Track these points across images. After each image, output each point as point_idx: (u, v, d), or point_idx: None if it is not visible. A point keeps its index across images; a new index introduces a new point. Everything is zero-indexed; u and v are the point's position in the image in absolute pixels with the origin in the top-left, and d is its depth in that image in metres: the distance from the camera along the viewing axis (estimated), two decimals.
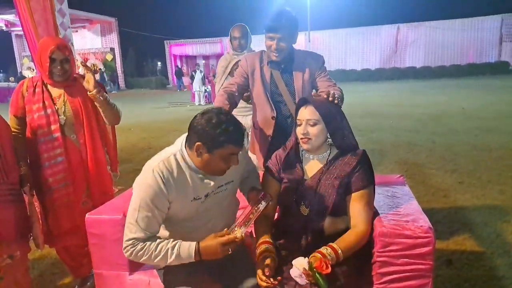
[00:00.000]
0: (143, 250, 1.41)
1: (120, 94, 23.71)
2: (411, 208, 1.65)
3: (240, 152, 1.45)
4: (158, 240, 1.43)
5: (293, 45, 2.12)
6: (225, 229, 1.42)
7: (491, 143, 5.68)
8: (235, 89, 2.13)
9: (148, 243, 1.41)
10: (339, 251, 1.42)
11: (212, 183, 1.50)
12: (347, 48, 25.89)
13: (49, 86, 2.14)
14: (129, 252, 1.42)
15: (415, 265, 1.45)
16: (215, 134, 1.36)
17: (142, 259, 1.43)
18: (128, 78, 29.24)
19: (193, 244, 1.42)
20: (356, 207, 1.53)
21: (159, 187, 1.39)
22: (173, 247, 1.41)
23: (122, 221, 1.71)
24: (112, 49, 26.13)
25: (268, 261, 1.43)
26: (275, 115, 2.14)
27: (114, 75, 26.44)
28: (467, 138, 6.18)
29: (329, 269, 1.33)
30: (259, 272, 1.40)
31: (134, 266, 1.80)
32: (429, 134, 6.65)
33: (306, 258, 1.40)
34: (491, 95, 12.06)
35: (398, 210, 1.63)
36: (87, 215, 1.77)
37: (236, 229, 1.40)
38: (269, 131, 2.18)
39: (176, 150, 1.48)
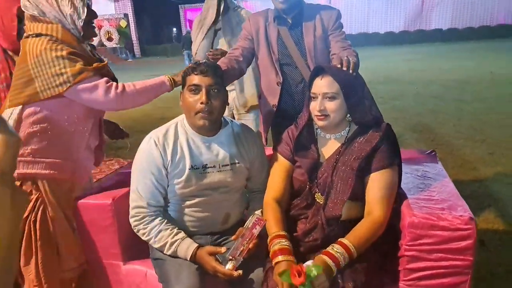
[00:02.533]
0: (145, 230, 1.40)
1: (136, 62, 23.48)
2: (447, 191, 1.41)
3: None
4: (160, 226, 1.40)
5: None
6: (224, 248, 1.35)
7: None
8: (238, 53, 1.85)
9: (151, 225, 1.39)
10: (352, 249, 1.21)
11: (211, 154, 1.43)
12: (370, 10, 24.55)
13: (10, 53, 1.81)
14: (133, 224, 1.42)
15: (451, 260, 1.23)
16: (182, 76, 1.42)
17: (143, 237, 1.43)
18: (144, 45, 28.79)
19: (191, 248, 1.37)
20: (373, 189, 1.31)
21: (154, 152, 1.38)
22: (172, 243, 1.39)
23: (111, 207, 1.54)
24: (125, 15, 25.62)
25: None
26: (280, 80, 1.87)
27: (129, 42, 26.09)
28: (497, 106, 5.74)
29: (301, 279, 1.09)
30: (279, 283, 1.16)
31: (129, 255, 1.64)
32: (456, 101, 6.23)
33: (311, 261, 1.19)
34: None
35: (431, 194, 1.39)
36: (78, 202, 1.59)
37: (230, 257, 1.30)
38: (274, 100, 1.91)
39: (178, 120, 1.48)
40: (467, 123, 4.92)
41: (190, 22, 28.96)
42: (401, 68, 10.97)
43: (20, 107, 1.41)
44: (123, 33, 25.67)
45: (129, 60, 24.62)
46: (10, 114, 1.42)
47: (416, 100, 6.49)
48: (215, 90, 1.36)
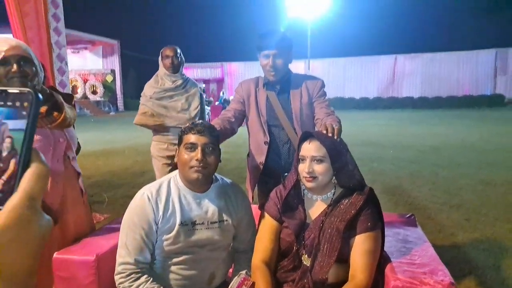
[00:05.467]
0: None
1: (118, 115, 23.63)
2: (427, 256, 1.45)
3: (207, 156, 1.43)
4: (146, 285, 1.36)
5: (289, 66, 2.03)
6: None
7: (495, 178, 5.51)
8: (231, 114, 2.00)
9: (137, 283, 1.36)
10: None
11: (200, 210, 1.44)
12: (346, 77, 26.22)
13: None
14: (119, 281, 1.39)
15: None
16: (180, 134, 1.48)
17: None
18: (127, 100, 29.20)
19: None
20: (357, 252, 1.34)
21: (146, 207, 1.40)
22: None
23: (95, 264, 1.49)
24: (112, 71, 26.25)
25: None
26: (268, 140, 2.00)
27: (113, 96, 26.47)
28: (470, 171, 6.01)
29: None
30: None
31: None
32: (431, 166, 6.48)
33: None
34: (489, 127, 12.02)
35: (412, 258, 1.43)
36: (54, 255, 1.54)
37: None
38: (261, 158, 2.02)
39: (171, 176, 1.51)
40: (443, 188, 5.09)
41: None
42: (377, 132, 11.46)
43: None
44: (108, 88, 26.13)
45: (111, 113, 24.77)
46: None
47: (394, 164, 6.72)
48: (210, 148, 1.42)
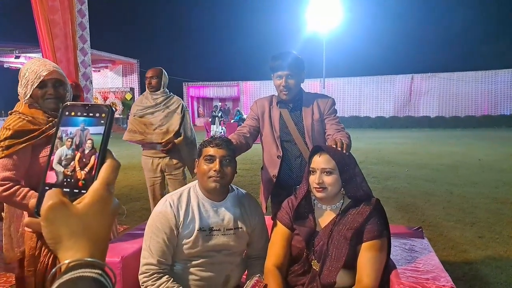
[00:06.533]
0: (153, 287, 1.47)
1: None
2: (431, 264, 1.52)
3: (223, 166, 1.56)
4: (167, 284, 1.48)
5: (301, 85, 2.16)
6: None
7: None
8: (246, 130, 2.13)
9: (159, 282, 1.47)
10: None
11: (217, 217, 1.57)
12: (361, 96, 26.17)
13: None
14: (142, 280, 1.50)
15: None
16: (199, 148, 1.63)
17: None
18: None
19: None
20: (364, 258, 1.43)
21: (169, 214, 1.53)
22: None
23: (120, 265, 1.62)
24: (132, 89, 27.01)
25: None
26: (280, 154, 2.12)
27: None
28: (486, 190, 5.95)
29: None
30: None
31: None
32: (446, 184, 6.45)
33: None
34: (508, 147, 11.81)
35: (417, 265, 1.51)
36: None
37: None
38: (274, 171, 2.14)
39: (191, 185, 1.64)
40: (457, 206, 5.07)
41: (192, 98, 30.57)
42: (392, 151, 11.42)
43: None
44: (127, 105, 26.81)
45: None
46: None
47: (409, 182, 6.71)
48: (227, 160, 1.55)
